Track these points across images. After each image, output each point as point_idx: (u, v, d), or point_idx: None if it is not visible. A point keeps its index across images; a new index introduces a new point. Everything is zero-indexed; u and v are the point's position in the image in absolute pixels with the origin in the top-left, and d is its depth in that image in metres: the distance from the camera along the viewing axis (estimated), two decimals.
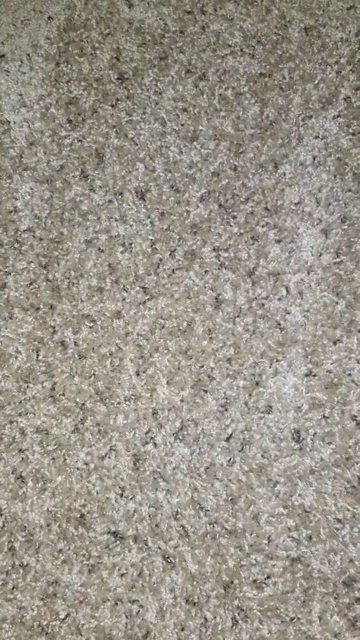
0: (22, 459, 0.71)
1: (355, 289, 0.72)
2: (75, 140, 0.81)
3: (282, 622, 0.64)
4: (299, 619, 0.64)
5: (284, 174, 0.77)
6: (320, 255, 0.74)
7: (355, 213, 0.75)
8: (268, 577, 0.65)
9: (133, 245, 0.77)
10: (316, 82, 0.80)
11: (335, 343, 0.71)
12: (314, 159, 0.79)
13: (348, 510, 0.66)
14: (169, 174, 0.78)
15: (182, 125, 0.81)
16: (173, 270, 0.75)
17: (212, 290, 0.74)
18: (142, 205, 0.78)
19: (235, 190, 0.77)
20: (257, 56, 0.82)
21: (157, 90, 0.83)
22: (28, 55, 0.86)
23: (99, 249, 0.76)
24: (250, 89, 0.81)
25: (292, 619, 0.64)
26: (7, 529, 0.69)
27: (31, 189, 0.80)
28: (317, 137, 0.79)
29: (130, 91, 0.83)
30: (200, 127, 0.80)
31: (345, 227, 0.74)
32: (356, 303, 0.72)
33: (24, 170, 0.81)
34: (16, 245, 0.78)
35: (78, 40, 0.86)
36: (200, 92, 0.82)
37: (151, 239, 0.76)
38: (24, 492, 0.70)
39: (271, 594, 0.65)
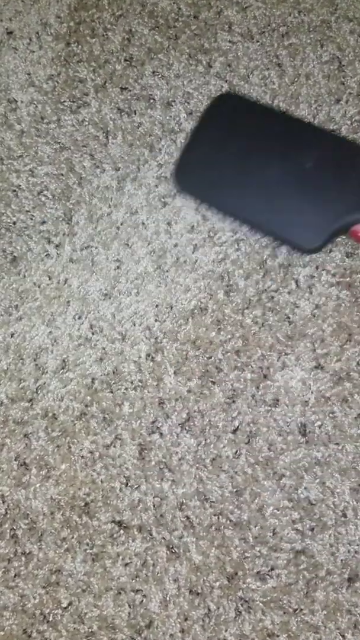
0: (26, 444, 0.70)
1: None
2: (82, 121, 0.80)
3: (284, 613, 0.64)
4: (301, 610, 0.64)
5: None
6: (330, 252, 0.74)
7: None
8: (272, 569, 0.65)
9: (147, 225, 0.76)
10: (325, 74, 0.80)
11: (344, 338, 0.71)
12: None
13: (352, 503, 0.67)
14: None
15: (191, 113, 0.80)
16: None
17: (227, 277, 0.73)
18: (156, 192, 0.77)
19: None
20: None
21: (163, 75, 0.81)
22: (37, 33, 0.84)
23: (115, 227, 0.75)
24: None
25: (295, 610, 0.64)
26: (10, 516, 0.68)
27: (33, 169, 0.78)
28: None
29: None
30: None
31: None
32: None
33: (28, 149, 0.79)
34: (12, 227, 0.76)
35: (89, 21, 0.84)
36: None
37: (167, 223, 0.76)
38: (27, 480, 0.69)
39: (275, 586, 0.65)
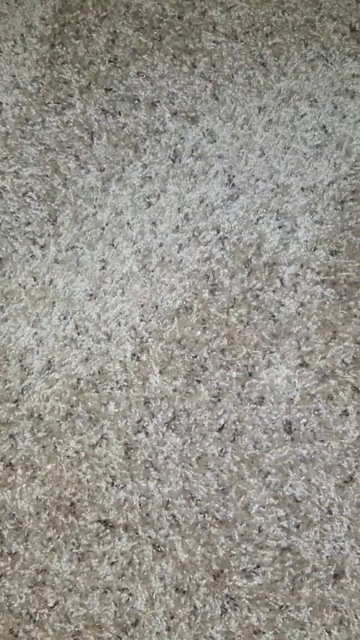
0: (12, 445, 0.70)
1: (349, 281, 0.73)
2: (67, 123, 0.80)
3: (270, 610, 0.64)
4: (287, 606, 0.64)
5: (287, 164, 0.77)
6: (314, 250, 0.74)
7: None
8: (258, 567, 0.65)
9: (132, 226, 0.76)
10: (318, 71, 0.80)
11: (329, 335, 0.71)
12: (317, 147, 0.79)
13: (337, 500, 0.67)
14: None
15: (175, 113, 0.80)
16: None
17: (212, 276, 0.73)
18: (140, 192, 0.77)
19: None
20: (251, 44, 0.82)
21: (148, 76, 0.82)
22: (22, 35, 0.84)
23: (101, 227, 0.75)
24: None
25: (281, 607, 0.64)
26: None
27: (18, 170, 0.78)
28: (314, 129, 0.79)
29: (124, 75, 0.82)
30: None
31: (339, 219, 0.75)
32: (350, 295, 0.72)
33: (12, 151, 0.79)
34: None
35: (74, 22, 0.85)
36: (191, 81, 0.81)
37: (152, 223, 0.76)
38: (13, 480, 0.70)
39: (260, 583, 0.65)
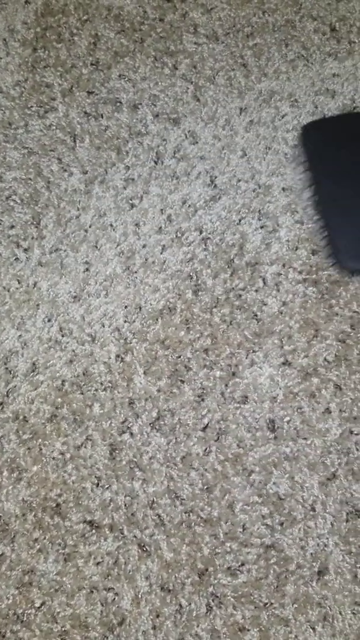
0: None
1: (331, 280, 0.73)
2: (49, 126, 0.80)
3: (255, 607, 0.65)
4: (272, 604, 0.65)
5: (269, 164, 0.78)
6: (296, 249, 0.75)
7: None
8: (242, 564, 0.66)
9: (116, 227, 0.76)
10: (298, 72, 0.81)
11: (311, 334, 0.72)
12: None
13: (321, 497, 0.67)
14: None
15: (157, 115, 0.81)
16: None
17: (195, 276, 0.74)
18: (124, 194, 0.78)
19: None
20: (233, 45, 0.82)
21: (130, 79, 0.82)
22: (4, 39, 0.85)
23: (84, 229, 0.76)
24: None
25: (266, 604, 0.65)
26: None
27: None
28: (295, 129, 0.80)
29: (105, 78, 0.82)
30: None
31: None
32: (332, 294, 0.73)
33: None
34: None
35: (56, 26, 0.85)
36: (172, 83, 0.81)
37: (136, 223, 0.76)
38: None
39: (245, 581, 0.66)
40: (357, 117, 0.79)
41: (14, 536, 0.68)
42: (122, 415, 0.71)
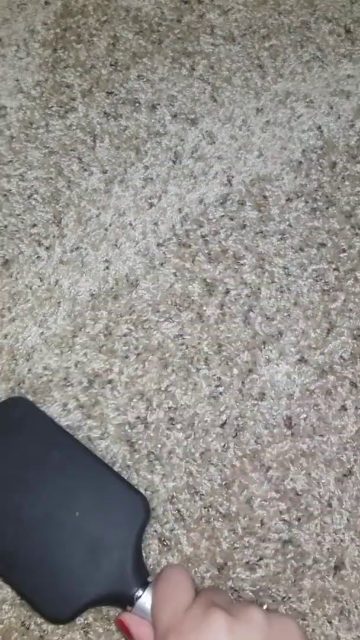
0: None
1: (339, 276, 0.74)
2: (70, 126, 0.82)
3: (273, 601, 0.66)
4: (289, 597, 0.66)
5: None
6: (304, 249, 0.76)
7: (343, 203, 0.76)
8: (260, 559, 0.67)
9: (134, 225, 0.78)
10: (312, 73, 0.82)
11: (325, 331, 0.73)
12: (303, 152, 0.80)
13: (337, 493, 0.68)
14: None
15: (175, 115, 0.82)
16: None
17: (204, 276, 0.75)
18: (142, 194, 0.79)
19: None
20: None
21: (148, 79, 0.83)
22: (25, 40, 0.86)
23: (104, 228, 0.77)
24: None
25: (284, 598, 0.66)
26: None
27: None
28: (310, 130, 0.81)
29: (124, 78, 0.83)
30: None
31: (326, 216, 0.76)
32: (341, 290, 0.74)
33: (17, 154, 0.81)
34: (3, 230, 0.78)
35: (75, 27, 0.86)
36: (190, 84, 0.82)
37: (149, 225, 0.77)
38: None
39: (263, 575, 0.67)
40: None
41: None
42: (139, 410, 0.72)
